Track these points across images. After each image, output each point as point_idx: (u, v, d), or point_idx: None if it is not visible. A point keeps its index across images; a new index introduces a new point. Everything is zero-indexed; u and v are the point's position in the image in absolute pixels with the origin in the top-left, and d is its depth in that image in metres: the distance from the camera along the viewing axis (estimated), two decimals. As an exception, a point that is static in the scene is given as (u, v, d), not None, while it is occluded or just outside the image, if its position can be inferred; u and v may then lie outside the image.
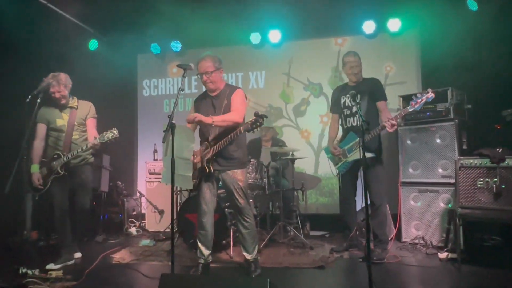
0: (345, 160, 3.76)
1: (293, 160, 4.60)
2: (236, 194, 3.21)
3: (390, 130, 3.36)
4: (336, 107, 3.95)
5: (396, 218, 4.21)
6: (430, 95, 3.29)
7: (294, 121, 5.81)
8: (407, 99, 4.48)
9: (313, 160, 5.65)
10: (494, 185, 3.34)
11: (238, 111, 3.15)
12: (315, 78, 5.76)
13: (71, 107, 3.75)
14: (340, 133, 4.00)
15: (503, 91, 4.23)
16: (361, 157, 2.83)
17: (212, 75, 3.21)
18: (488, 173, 3.41)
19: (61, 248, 3.69)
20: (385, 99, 3.72)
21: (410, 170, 4.26)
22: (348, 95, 3.72)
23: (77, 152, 3.56)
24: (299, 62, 5.81)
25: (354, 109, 3.71)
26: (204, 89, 3.41)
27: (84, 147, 3.55)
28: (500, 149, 3.37)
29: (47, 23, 4.89)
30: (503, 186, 3.31)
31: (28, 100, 3.43)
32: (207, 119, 3.03)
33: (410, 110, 3.35)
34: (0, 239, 4.19)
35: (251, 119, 2.88)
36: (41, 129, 3.70)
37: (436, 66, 4.86)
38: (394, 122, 3.32)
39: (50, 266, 3.43)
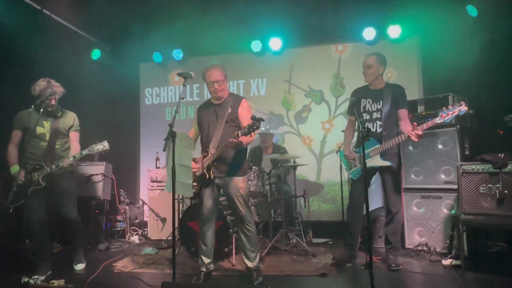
0: (360, 166, 3.61)
1: (294, 167, 4.59)
2: (237, 202, 3.22)
3: (416, 140, 3.28)
4: (354, 109, 3.68)
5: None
6: (463, 108, 3.17)
7: (296, 128, 5.82)
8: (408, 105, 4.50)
9: (315, 167, 5.64)
10: (497, 191, 3.32)
11: None
12: (316, 85, 5.78)
13: (54, 116, 3.63)
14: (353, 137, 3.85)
15: (504, 96, 4.23)
16: (362, 164, 2.83)
17: (222, 84, 3.26)
18: (490, 179, 3.39)
19: (39, 261, 3.51)
20: (407, 107, 3.61)
21: (413, 176, 4.24)
22: (369, 99, 3.62)
23: (60, 165, 3.46)
24: (300, 69, 5.83)
25: (375, 114, 3.59)
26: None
27: (78, 155, 3.48)
28: (502, 155, 3.35)
29: (50, 33, 4.94)
30: (506, 191, 3.29)
31: (31, 110, 3.44)
32: (238, 142, 2.98)
33: (438, 122, 3.25)
34: (4, 248, 4.20)
35: (248, 123, 2.88)
36: (16, 135, 3.58)
37: (437, 72, 4.87)
38: (419, 132, 3.23)
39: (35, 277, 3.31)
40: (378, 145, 3.50)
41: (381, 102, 3.57)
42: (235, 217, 3.39)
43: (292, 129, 5.83)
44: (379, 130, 3.54)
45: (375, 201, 4.62)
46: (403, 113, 3.56)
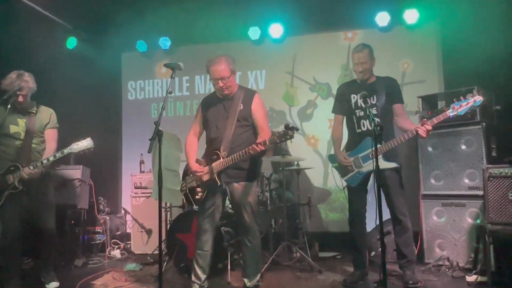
0: (358, 171, 3.58)
1: (298, 171, 4.59)
2: (243, 210, 3.20)
3: (425, 136, 3.26)
4: (342, 107, 3.79)
5: (417, 236, 4.15)
6: (478, 98, 3.16)
7: (300, 127, 5.80)
8: (427, 100, 4.48)
9: (322, 171, 5.63)
10: (528, 198, 3.32)
11: (267, 131, 3.13)
12: (322, 77, 5.77)
13: (29, 113, 3.66)
14: (345, 137, 3.84)
15: (536, 90, 4.21)
16: (375, 168, 2.80)
17: (229, 80, 3.19)
18: (521, 184, 3.38)
19: (7, 279, 3.50)
20: (402, 102, 3.67)
21: (432, 181, 4.23)
22: (360, 95, 3.61)
23: (42, 164, 3.46)
24: (304, 60, 5.82)
25: (369, 111, 3.58)
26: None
27: (45, 161, 3.48)
28: (534, 157, 3.34)
29: (18, 18, 4.92)
30: (539, 198, 3.27)
31: (-2, 107, 3.43)
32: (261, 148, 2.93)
33: (450, 115, 3.22)
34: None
35: (280, 131, 2.82)
36: None
37: (460, 62, 4.84)
38: (429, 127, 3.21)
39: None
40: (378, 145, 3.36)
41: (374, 97, 3.61)
42: (239, 228, 3.36)
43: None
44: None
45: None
46: (399, 108, 3.60)
